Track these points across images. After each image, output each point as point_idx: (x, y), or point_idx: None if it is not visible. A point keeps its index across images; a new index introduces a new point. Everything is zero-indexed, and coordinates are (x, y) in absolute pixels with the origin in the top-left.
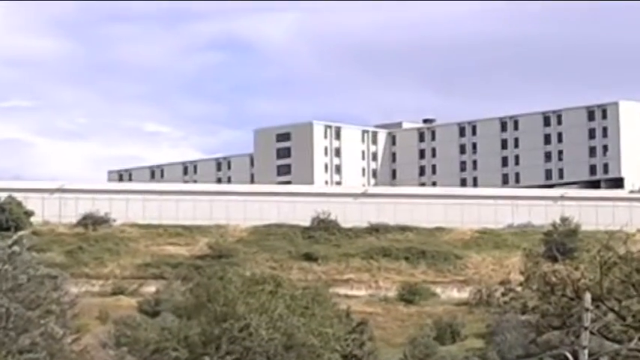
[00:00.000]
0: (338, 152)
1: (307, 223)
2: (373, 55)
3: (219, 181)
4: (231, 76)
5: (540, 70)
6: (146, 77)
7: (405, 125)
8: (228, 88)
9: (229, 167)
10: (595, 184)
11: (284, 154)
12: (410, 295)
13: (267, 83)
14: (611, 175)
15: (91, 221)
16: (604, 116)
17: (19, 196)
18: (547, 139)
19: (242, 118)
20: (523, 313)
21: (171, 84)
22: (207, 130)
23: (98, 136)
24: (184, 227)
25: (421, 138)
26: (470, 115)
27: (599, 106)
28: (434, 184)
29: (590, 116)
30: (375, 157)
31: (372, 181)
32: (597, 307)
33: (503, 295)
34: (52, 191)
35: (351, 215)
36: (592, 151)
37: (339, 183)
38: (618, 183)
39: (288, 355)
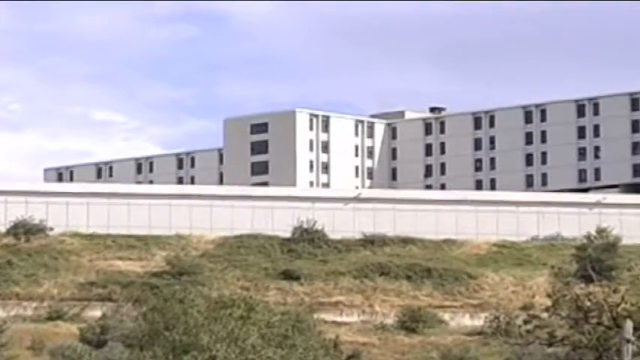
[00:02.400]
0: (326, 147)
1: (288, 234)
2: (369, 30)
3: (180, 181)
4: (199, 54)
5: (573, 49)
6: (94, 54)
7: (408, 115)
8: (194, 68)
9: (193, 165)
10: (639, 189)
11: (260, 148)
12: (412, 322)
13: (242, 63)
14: None
15: (23, 230)
16: None
17: None
18: (581, 133)
19: (210, 105)
20: (550, 345)
21: (125, 63)
22: (167, 119)
23: (34, 126)
24: (137, 238)
25: (427, 130)
26: (487, 103)
27: None
28: (442, 186)
29: (634, 105)
30: (370, 153)
31: (368, 182)
32: None
33: (525, 322)
34: None
35: (341, 224)
36: (635, 148)
37: (326, 185)
38: None
39: None
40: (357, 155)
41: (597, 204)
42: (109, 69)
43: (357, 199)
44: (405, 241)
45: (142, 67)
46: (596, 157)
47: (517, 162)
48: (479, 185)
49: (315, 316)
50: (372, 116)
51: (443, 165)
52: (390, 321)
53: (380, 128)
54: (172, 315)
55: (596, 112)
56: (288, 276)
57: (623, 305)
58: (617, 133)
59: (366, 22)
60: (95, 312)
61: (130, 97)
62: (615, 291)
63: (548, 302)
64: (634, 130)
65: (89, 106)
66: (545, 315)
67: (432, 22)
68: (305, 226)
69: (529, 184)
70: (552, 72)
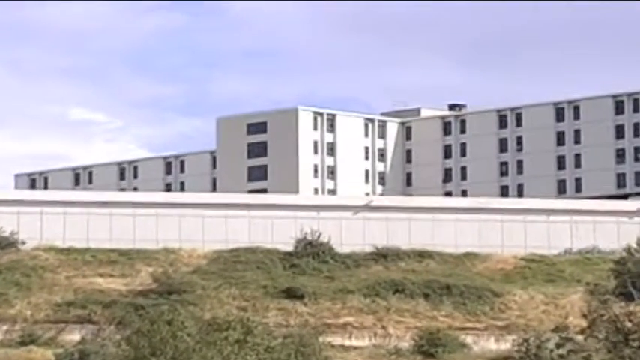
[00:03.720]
0: (332, 149)
1: (289, 247)
2: (380, 19)
3: (168, 188)
4: (189, 45)
5: (611, 39)
6: (71, 46)
7: (425, 113)
8: (184, 62)
9: (183, 170)
10: None
11: (258, 151)
12: (430, 346)
13: (238, 56)
14: None
15: None
16: None
17: None
18: (619, 133)
19: (202, 103)
20: None
21: (107, 55)
22: (154, 118)
23: (3, 127)
24: (120, 252)
25: (446, 130)
26: (513, 99)
27: None
28: (464, 193)
29: None
30: (382, 156)
31: (379, 189)
32: None
33: (558, 346)
34: None
35: (349, 236)
36: None
37: (333, 192)
38: None
39: None
40: (367, 158)
41: (638, 212)
42: (88, 62)
43: (368, 208)
44: (422, 254)
45: (126, 60)
46: (637, 159)
47: (547, 165)
48: (504, 192)
49: (321, 339)
50: (384, 114)
51: (464, 169)
52: (405, 345)
53: (393, 128)
54: (160, 339)
55: (635, 109)
56: (291, 294)
57: None
58: None
59: (377, 11)
60: (73, 335)
61: (112, 94)
62: None
63: (584, 323)
64: None
65: (66, 104)
66: (580, 337)
67: (450, 10)
68: (309, 238)
69: (561, 190)
70: (587, 64)
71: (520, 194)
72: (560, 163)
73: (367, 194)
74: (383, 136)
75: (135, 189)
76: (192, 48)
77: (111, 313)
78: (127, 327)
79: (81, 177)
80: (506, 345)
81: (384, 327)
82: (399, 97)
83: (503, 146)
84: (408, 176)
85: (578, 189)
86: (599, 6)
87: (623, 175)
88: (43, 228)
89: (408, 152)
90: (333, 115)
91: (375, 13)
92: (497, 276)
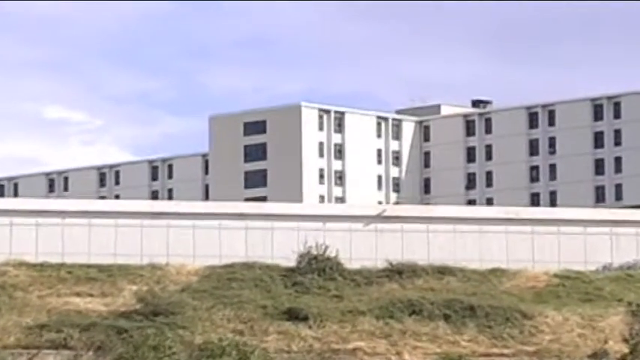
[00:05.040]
0: (340, 152)
1: (292, 263)
2: (395, 4)
3: (155, 195)
4: (179, 34)
5: None
6: (46, 35)
7: (445, 110)
8: (174, 52)
9: (171, 175)
10: None
11: (256, 154)
12: None
13: (233, 46)
14: None
15: None
16: None
17: None
18: None
19: (192, 99)
20: None
21: (85, 46)
22: (138, 116)
23: None
24: (100, 268)
25: (469, 130)
26: (545, 95)
27: None
28: (489, 201)
29: None
30: (397, 159)
31: (394, 196)
32: None
33: None
34: None
35: (360, 250)
36: None
37: (341, 200)
38: None
39: None
40: (379, 162)
41: None
42: (63, 54)
43: (381, 218)
44: (442, 271)
45: (106, 51)
46: None
47: (584, 170)
48: (535, 200)
49: None
50: (399, 112)
51: (489, 174)
52: None
53: (409, 127)
54: None
55: None
56: (293, 316)
57: None
58: None
59: None
60: None
61: (91, 90)
62: None
63: (625, 349)
64: None
65: (39, 101)
66: None
67: None
68: (314, 252)
69: (599, 197)
70: (628, 56)
71: (553, 203)
72: (599, 167)
73: (380, 202)
74: (398, 136)
75: (117, 196)
76: (181, 36)
77: (89, 337)
78: (107, 353)
79: (55, 183)
80: None
81: (398, 353)
82: (416, 93)
83: (533, 148)
84: (426, 182)
85: (618, 196)
86: None
87: None
88: (12, 241)
89: (426, 155)
90: (342, 113)
91: None
92: (527, 295)
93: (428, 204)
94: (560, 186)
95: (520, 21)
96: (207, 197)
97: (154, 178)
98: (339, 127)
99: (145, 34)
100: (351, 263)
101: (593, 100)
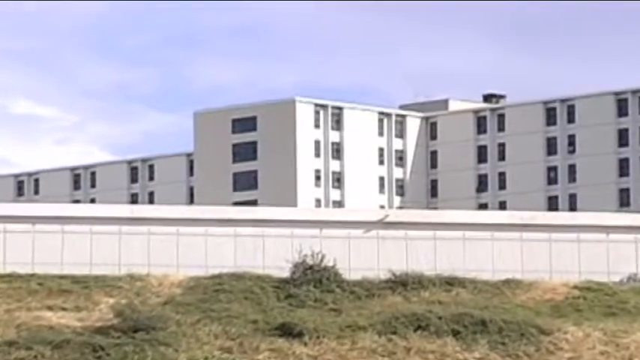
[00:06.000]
0: (338, 151)
1: (286, 273)
2: None
3: (134, 199)
4: (161, 22)
5: None
6: (16, 25)
7: (454, 105)
8: (156, 41)
9: (152, 176)
10: None
11: (246, 153)
12: None
13: (222, 35)
14: None
15: None
16: None
17: None
18: None
19: (177, 93)
20: None
21: (58, 35)
22: (117, 112)
23: None
24: (74, 279)
25: (481, 127)
26: (565, 89)
27: None
28: (502, 205)
29: None
30: (401, 159)
31: (397, 200)
32: None
33: None
34: None
35: (360, 259)
36: None
37: (339, 204)
38: None
39: None
40: (381, 162)
41: None
42: (33, 44)
43: (383, 224)
44: (451, 282)
45: (81, 40)
46: None
47: (606, 171)
48: (553, 203)
49: None
50: (403, 107)
51: (502, 175)
52: None
53: (414, 124)
54: None
55: None
56: (287, 332)
57: None
58: None
59: None
60: None
61: (65, 83)
62: None
63: None
64: None
65: (7, 95)
66: None
67: None
68: (310, 261)
69: (623, 201)
70: None
71: (573, 207)
72: (622, 167)
73: (382, 207)
74: (401, 134)
75: (92, 200)
76: (164, 23)
77: (62, 355)
78: None
79: (25, 185)
80: None
81: None
82: (421, 86)
83: (551, 147)
84: (433, 184)
85: None
86: None
87: None
88: None
89: (433, 154)
90: (340, 109)
91: None
92: (544, 309)
93: (435, 208)
94: (581, 188)
95: (536, 7)
96: (192, 201)
97: (134, 180)
98: (337, 123)
99: (124, 20)
100: (351, 274)
101: (616, 94)
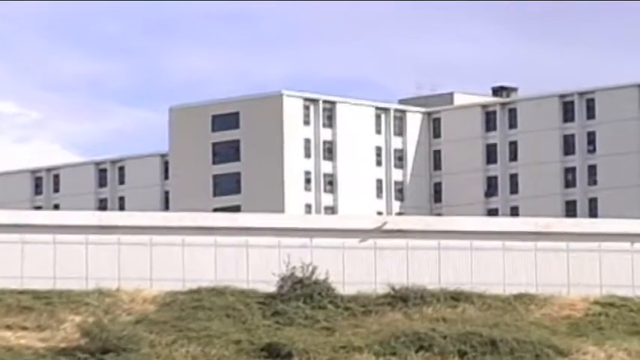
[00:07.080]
0: (330, 151)
1: (272, 287)
2: None
3: (103, 204)
4: (136, 6)
5: None
6: None
7: (460, 99)
8: (128, 29)
9: (123, 180)
10: None
11: (228, 153)
12: None
13: (202, 21)
14: None
15: None
16: None
17: None
18: None
19: (151, 86)
20: None
21: (21, 22)
22: (84, 108)
23: None
24: (36, 295)
25: (490, 123)
26: (583, 81)
27: None
28: (514, 211)
29: None
30: (401, 159)
31: (396, 205)
32: None
33: None
34: None
35: (355, 272)
36: None
37: (332, 209)
38: None
39: None
40: (379, 163)
41: None
42: None
43: (381, 233)
44: (457, 297)
45: (45, 27)
46: None
47: (630, 172)
48: (571, 209)
49: None
50: (403, 102)
51: (514, 177)
52: None
53: (415, 120)
54: None
55: None
56: (274, 353)
57: None
58: None
59: None
60: None
61: (25, 75)
62: None
63: None
64: None
65: None
66: None
67: None
68: (299, 274)
69: None
70: None
71: (593, 213)
72: None
73: (380, 213)
74: (401, 131)
75: (56, 206)
76: (137, 10)
77: None
78: None
79: None
80: None
81: None
82: (424, 78)
83: (568, 146)
84: (437, 188)
85: None
86: None
87: None
88: None
89: (437, 154)
90: (332, 103)
91: None
92: (561, 326)
93: (439, 215)
94: (602, 192)
95: None
96: (167, 207)
97: (102, 183)
98: (329, 120)
99: (93, 5)
100: (345, 288)
101: None
